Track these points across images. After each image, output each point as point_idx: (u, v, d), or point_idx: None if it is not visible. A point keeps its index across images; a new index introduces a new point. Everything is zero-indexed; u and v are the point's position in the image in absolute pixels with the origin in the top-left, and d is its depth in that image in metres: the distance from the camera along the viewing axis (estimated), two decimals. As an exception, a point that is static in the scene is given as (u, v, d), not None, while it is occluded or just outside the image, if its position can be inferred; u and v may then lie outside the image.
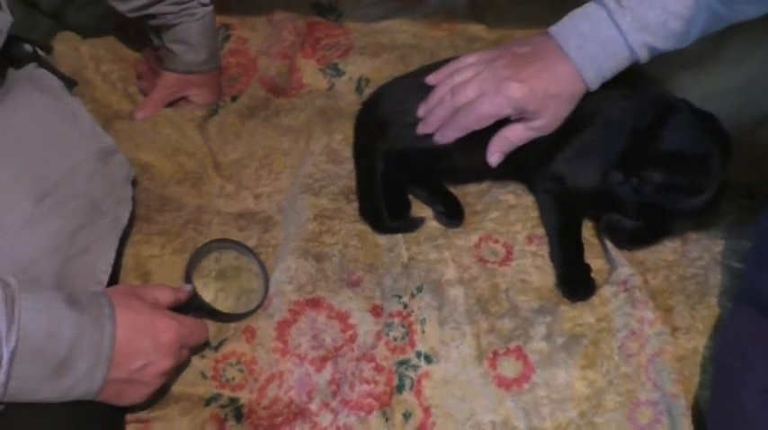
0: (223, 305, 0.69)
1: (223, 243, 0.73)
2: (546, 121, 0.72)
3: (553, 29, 0.73)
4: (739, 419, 0.58)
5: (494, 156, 0.74)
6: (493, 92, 0.71)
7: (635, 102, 0.71)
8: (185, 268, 0.69)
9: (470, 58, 0.75)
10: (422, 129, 0.76)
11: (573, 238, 0.73)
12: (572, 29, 0.71)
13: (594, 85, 0.71)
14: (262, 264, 0.72)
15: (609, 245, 0.73)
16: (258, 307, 0.70)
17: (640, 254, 0.73)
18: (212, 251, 0.72)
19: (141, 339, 0.57)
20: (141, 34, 0.89)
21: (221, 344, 0.68)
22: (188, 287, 0.67)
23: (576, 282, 0.70)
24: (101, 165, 0.68)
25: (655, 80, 0.77)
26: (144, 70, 0.91)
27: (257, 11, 0.98)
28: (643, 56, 0.70)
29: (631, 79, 0.74)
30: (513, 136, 0.73)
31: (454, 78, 0.74)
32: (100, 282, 0.64)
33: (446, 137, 0.74)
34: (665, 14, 0.67)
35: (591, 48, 0.69)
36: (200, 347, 0.67)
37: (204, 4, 0.84)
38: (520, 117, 0.72)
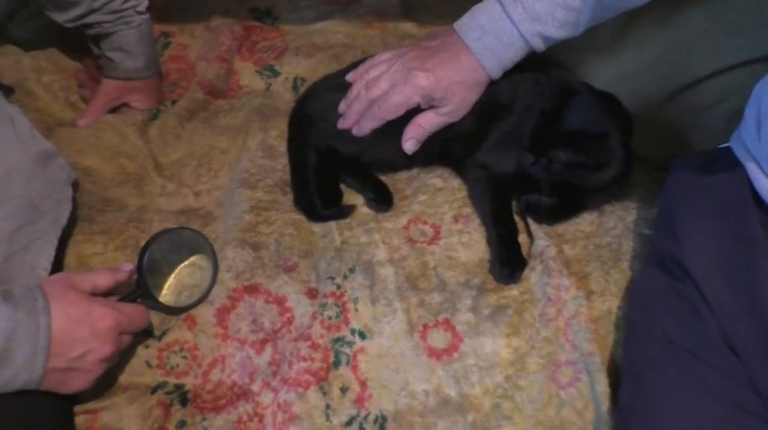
0: (162, 300, 0.71)
1: (178, 230, 0.75)
2: (453, 107, 0.76)
3: (456, 23, 0.77)
4: (647, 368, 0.63)
5: (409, 143, 0.78)
6: (402, 82, 0.75)
7: (542, 88, 0.76)
8: (139, 252, 0.70)
9: (384, 56, 0.80)
10: (341, 124, 0.80)
11: (507, 221, 0.77)
12: (472, 22, 0.76)
13: (495, 73, 0.76)
14: (213, 252, 0.74)
15: (530, 220, 0.77)
16: (204, 296, 0.72)
17: (560, 227, 0.78)
18: (165, 240, 0.73)
19: (78, 328, 0.60)
20: (82, 45, 0.92)
21: (164, 333, 0.71)
22: (128, 266, 0.68)
23: (512, 265, 0.74)
24: (40, 168, 0.71)
25: (561, 65, 0.82)
26: (85, 79, 0.94)
27: (196, 18, 1.02)
28: (537, 44, 0.74)
29: (541, 67, 0.79)
30: (426, 122, 0.77)
31: (369, 74, 0.79)
32: (40, 279, 0.66)
33: (363, 129, 0.78)
34: (553, 6, 0.72)
35: (488, 39, 0.74)
36: (144, 336, 0.70)
37: (140, 12, 0.87)
38: (430, 105, 0.76)
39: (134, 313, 0.65)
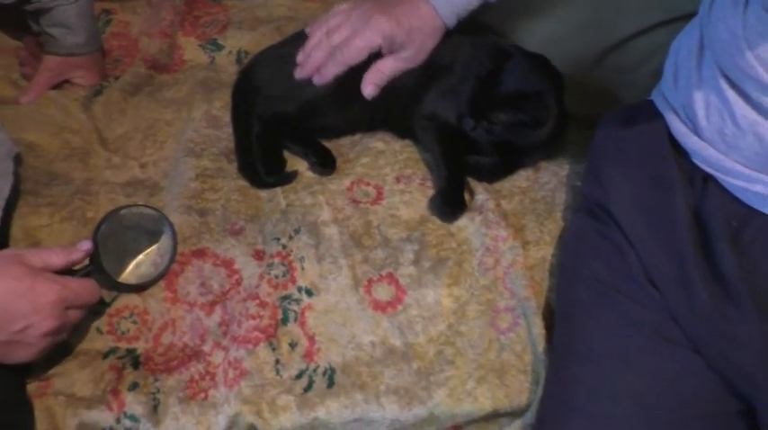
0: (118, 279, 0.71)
1: (136, 207, 0.74)
2: (413, 52, 0.79)
3: None
4: (578, 307, 0.67)
5: (368, 88, 0.79)
6: (364, 27, 0.77)
7: (477, 52, 0.79)
8: (94, 229, 0.69)
9: (342, 6, 0.82)
10: (300, 73, 0.81)
11: (455, 163, 0.80)
12: None
13: (450, 22, 0.79)
14: (173, 231, 0.73)
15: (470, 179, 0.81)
16: (161, 276, 0.72)
17: (498, 183, 0.81)
18: (123, 218, 0.72)
19: (19, 302, 0.59)
20: (21, 24, 0.91)
21: (114, 299, 0.72)
22: (86, 245, 0.67)
23: (454, 205, 0.77)
24: (-21, 142, 0.71)
25: (496, 31, 0.85)
26: (26, 56, 0.93)
27: (138, -5, 1.02)
28: None
29: (478, 33, 0.82)
30: (386, 67, 0.79)
31: (329, 23, 0.80)
32: (-14, 250, 0.67)
33: (325, 75, 0.79)
34: None
35: None
36: (97, 305, 0.69)
37: (77, -13, 0.87)
38: (390, 51, 0.78)
39: (81, 288, 0.64)
